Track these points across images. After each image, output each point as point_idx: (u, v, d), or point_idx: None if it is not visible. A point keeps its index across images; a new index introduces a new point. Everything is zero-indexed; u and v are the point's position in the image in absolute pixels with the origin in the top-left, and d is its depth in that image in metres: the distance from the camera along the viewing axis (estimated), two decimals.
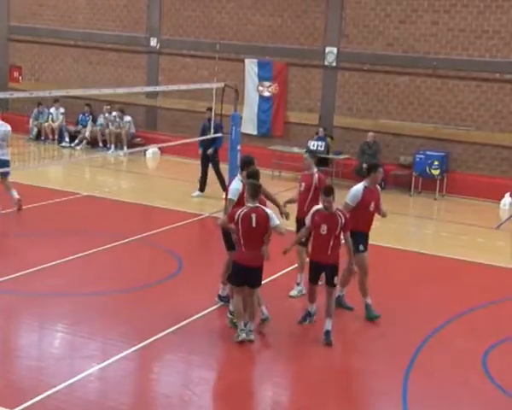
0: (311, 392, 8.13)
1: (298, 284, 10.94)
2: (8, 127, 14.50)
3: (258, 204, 9.22)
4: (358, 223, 9.75)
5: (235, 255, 9.42)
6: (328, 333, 9.20)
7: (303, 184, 10.96)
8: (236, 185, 9.80)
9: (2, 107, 24.20)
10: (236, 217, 9.09)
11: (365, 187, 10.00)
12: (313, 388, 8.23)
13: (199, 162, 17.22)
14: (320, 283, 9.56)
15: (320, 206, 9.61)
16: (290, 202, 11.11)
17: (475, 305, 11.11)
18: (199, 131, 17.40)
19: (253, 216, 9.08)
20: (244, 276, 9.18)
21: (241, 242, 9.15)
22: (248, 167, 9.89)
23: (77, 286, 10.79)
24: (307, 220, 9.56)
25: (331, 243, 9.26)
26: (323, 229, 9.25)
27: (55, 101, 22.87)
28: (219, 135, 16.72)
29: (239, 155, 16.69)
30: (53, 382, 7.77)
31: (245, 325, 9.11)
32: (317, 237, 9.39)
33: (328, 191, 9.25)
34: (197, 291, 10.81)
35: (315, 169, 11.07)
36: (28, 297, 10.23)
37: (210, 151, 16.82)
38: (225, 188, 16.36)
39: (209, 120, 16.68)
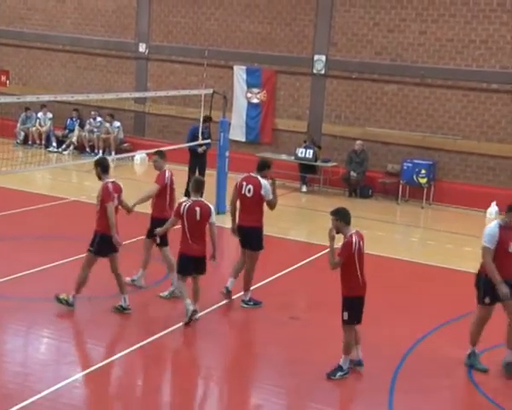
0: (302, 393, 8.17)
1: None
2: None
3: (200, 198, 9.99)
4: None
5: (182, 248, 9.89)
6: None
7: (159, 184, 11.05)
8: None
9: None
10: (182, 210, 9.72)
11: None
12: (304, 389, 8.27)
13: (187, 168, 17.21)
14: None
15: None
16: (139, 202, 11.12)
17: (462, 313, 11.13)
18: (187, 136, 17.42)
19: (198, 210, 9.76)
20: (191, 266, 9.85)
21: (187, 235, 9.76)
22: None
23: (64, 291, 10.75)
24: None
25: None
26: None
27: (43, 106, 22.86)
28: (207, 142, 16.83)
29: (227, 161, 16.78)
30: (38, 387, 7.77)
31: (190, 301, 9.76)
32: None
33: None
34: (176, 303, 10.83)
35: (164, 168, 11.24)
36: (15, 302, 10.20)
37: (201, 150, 16.90)
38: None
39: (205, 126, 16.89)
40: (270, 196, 10.74)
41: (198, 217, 9.81)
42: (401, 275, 13.08)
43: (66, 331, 9.63)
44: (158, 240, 10.94)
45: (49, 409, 7.45)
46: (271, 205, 10.72)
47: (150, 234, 10.97)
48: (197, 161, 17.10)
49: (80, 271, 10.05)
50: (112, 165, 21.43)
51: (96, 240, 9.95)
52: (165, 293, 10.96)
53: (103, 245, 9.93)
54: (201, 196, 10.26)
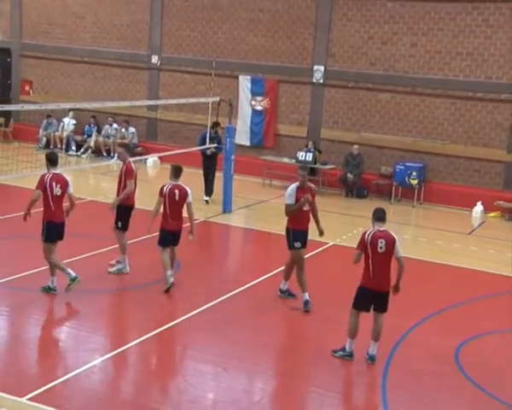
0: (303, 379, 8.18)
1: (119, 262, 11.26)
2: None
3: (179, 182, 10.75)
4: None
5: (163, 224, 10.68)
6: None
7: (120, 176, 11.23)
8: None
9: (14, 118, 24.34)
10: (164, 191, 10.60)
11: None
12: (302, 375, 8.28)
13: (196, 170, 17.24)
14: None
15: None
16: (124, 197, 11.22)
17: (450, 304, 11.17)
18: (198, 140, 17.44)
19: (177, 192, 10.62)
20: (170, 238, 10.70)
21: (168, 212, 10.59)
22: None
23: (83, 284, 10.78)
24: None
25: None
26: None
27: (70, 110, 22.90)
28: (214, 145, 16.88)
29: (233, 164, 16.80)
30: (59, 373, 7.80)
31: (171, 273, 10.56)
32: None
33: None
34: (193, 290, 10.84)
35: (128, 160, 11.36)
36: (38, 294, 10.22)
37: (208, 152, 16.95)
38: (210, 191, 16.79)
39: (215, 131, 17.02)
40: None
41: (177, 198, 10.65)
42: (394, 269, 13.06)
43: (86, 321, 9.64)
44: (120, 224, 11.13)
45: (69, 392, 7.46)
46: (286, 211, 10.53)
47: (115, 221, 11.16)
48: (207, 163, 17.13)
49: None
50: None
51: (42, 227, 10.13)
52: (114, 269, 11.17)
53: (48, 232, 10.07)
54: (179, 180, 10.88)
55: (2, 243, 12.30)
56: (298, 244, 10.19)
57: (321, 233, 10.62)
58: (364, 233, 8.60)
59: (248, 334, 9.23)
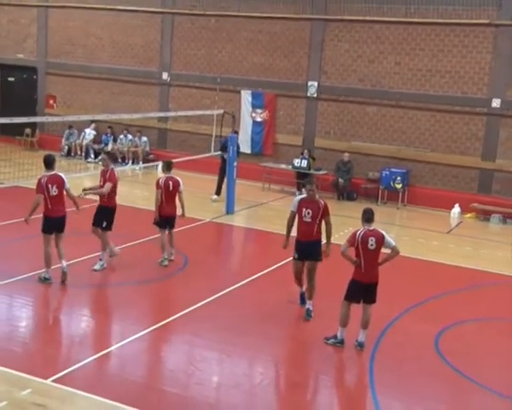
0: (298, 364, 8.20)
1: (100, 260, 11.08)
2: None
3: (171, 174, 11.40)
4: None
5: (161, 211, 11.30)
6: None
7: (102, 179, 11.06)
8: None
9: (39, 129, 24.39)
10: (160, 183, 11.30)
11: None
12: (298, 361, 8.30)
13: (203, 176, 17.28)
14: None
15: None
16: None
17: (430, 296, 11.17)
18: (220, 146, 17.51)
19: (171, 183, 11.32)
20: (166, 223, 11.45)
21: (163, 200, 11.26)
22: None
23: (102, 278, 10.81)
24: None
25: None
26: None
27: (92, 122, 22.93)
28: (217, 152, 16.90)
29: (235, 170, 16.82)
30: (80, 357, 7.80)
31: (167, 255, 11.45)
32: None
33: None
34: (200, 284, 10.86)
35: (111, 167, 11.23)
36: (61, 287, 10.23)
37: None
38: (219, 191, 16.90)
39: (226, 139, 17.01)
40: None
41: (171, 188, 11.32)
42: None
43: (105, 311, 9.67)
44: (104, 224, 10.99)
45: (90, 375, 7.48)
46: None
47: (97, 222, 11.01)
48: (224, 166, 17.17)
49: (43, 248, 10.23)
50: (139, 173, 21.71)
51: (42, 221, 10.25)
52: (97, 266, 11.01)
53: (44, 225, 10.17)
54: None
55: (26, 242, 12.30)
56: (295, 255, 9.58)
57: (325, 255, 9.54)
58: (356, 232, 8.57)
59: (250, 324, 9.24)
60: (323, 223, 9.52)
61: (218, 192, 17.57)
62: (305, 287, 9.76)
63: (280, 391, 7.84)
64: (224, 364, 8.15)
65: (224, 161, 17.21)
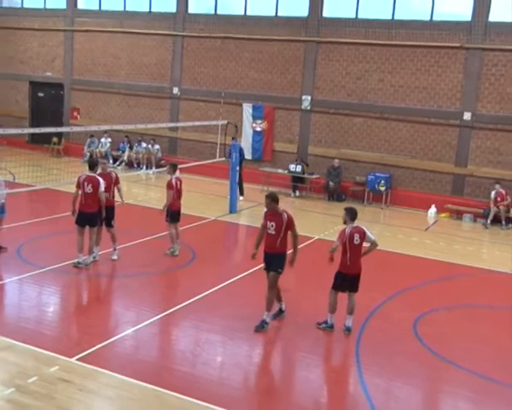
0: (293, 346, 8.24)
1: (115, 250, 11.17)
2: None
3: (178, 175, 11.58)
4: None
5: (171, 206, 11.35)
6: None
7: (105, 182, 10.84)
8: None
9: (64, 137, 24.45)
10: (173, 183, 11.40)
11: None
12: (293, 343, 8.35)
13: (208, 179, 17.31)
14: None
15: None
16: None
17: (409, 286, 11.21)
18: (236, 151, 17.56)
19: (178, 182, 11.62)
20: (178, 216, 11.68)
21: (175, 197, 11.46)
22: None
23: (119, 270, 10.86)
24: None
25: None
26: None
27: (105, 132, 22.96)
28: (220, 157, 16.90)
29: (237, 174, 16.87)
30: (99, 339, 7.86)
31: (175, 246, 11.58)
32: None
33: None
34: (206, 275, 10.90)
35: (109, 170, 11.34)
36: (83, 277, 10.29)
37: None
38: (242, 192, 17.00)
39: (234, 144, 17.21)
40: None
41: (179, 186, 11.64)
42: (364, 258, 13.11)
43: (121, 299, 9.68)
44: (112, 223, 11.10)
45: (108, 355, 7.52)
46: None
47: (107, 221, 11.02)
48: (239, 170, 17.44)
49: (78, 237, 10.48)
50: (153, 177, 21.75)
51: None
52: (115, 256, 11.17)
53: (77, 218, 10.40)
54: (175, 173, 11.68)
55: (56, 237, 12.38)
56: (263, 265, 8.79)
57: (290, 263, 8.59)
58: (344, 230, 8.60)
59: (251, 310, 9.24)
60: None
61: (241, 193, 17.72)
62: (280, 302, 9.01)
63: (276, 369, 7.89)
64: (226, 346, 8.18)
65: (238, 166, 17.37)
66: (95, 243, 10.84)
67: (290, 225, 8.52)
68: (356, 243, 8.57)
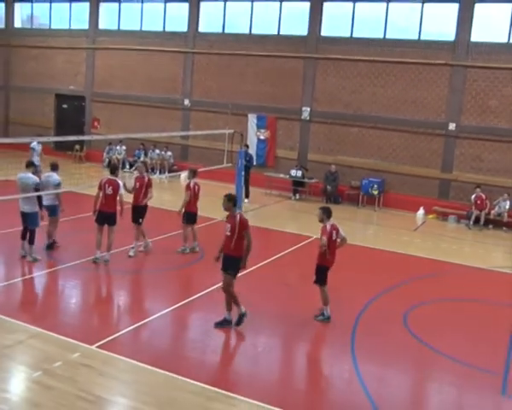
0: (293, 336, 8.27)
1: (133, 248, 11.27)
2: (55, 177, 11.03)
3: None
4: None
5: (189, 208, 11.33)
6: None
7: (137, 183, 11.27)
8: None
9: (86, 145, 24.54)
10: (192, 186, 11.34)
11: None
12: (294, 334, 8.37)
13: (216, 183, 17.36)
14: None
15: None
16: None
17: (400, 281, 11.21)
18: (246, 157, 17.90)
19: (196, 186, 11.49)
20: (194, 218, 11.60)
21: (192, 200, 11.37)
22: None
23: (136, 265, 10.88)
24: None
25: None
26: None
27: (120, 141, 23.03)
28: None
29: (243, 179, 16.90)
30: (119, 328, 7.93)
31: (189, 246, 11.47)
32: None
33: None
34: (214, 271, 10.88)
35: (144, 174, 11.45)
36: (101, 272, 10.33)
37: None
38: (248, 194, 17.09)
39: (245, 150, 17.60)
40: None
41: (197, 190, 11.45)
42: (359, 256, 13.15)
43: (139, 291, 9.71)
44: (140, 221, 11.31)
45: (127, 341, 7.53)
46: None
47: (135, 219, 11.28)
48: (246, 174, 17.66)
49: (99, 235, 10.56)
50: (166, 181, 21.80)
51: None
52: (141, 248, 11.44)
53: (97, 217, 10.52)
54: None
55: (77, 235, 12.42)
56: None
57: (242, 267, 8.13)
58: (325, 227, 8.59)
59: (254, 304, 9.25)
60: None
61: (246, 195, 17.85)
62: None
63: (277, 357, 7.89)
64: (233, 335, 8.18)
65: (246, 171, 17.48)
66: (136, 237, 11.20)
67: (242, 227, 7.92)
68: (333, 238, 8.64)
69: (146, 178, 11.31)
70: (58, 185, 10.85)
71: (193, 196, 11.52)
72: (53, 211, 10.98)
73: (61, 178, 11.17)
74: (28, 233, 10.30)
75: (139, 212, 11.21)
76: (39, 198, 10.17)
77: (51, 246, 11.15)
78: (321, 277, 8.66)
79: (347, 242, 8.91)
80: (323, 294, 8.71)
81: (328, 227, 8.57)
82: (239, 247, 7.94)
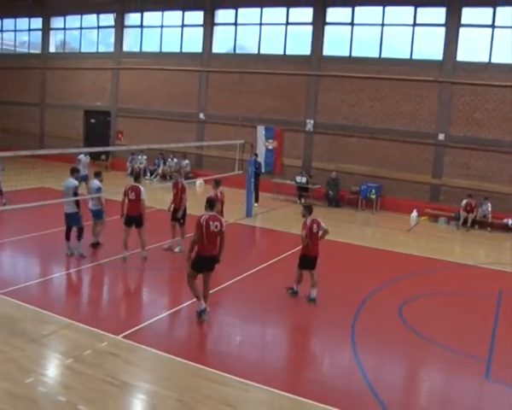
0: (299, 329, 8.26)
1: (179, 245, 11.48)
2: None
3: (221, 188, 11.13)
4: None
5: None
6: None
7: (174, 189, 11.55)
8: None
9: (111, 155, 24.70)
10: (219, 196, 11.00)
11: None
12: (299, 327, 8.36)
13: (228, 189, 17.31)
14: None
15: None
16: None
17: (397, 277, 11.18)
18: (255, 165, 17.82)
19: (218, 194, 11.03)
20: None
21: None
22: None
23: (160, 263, 10.89)
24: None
25: None
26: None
27: (141, 151, 23.13)
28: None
29: (252, 185, 16.92)
30: (139, 321, 7.95)
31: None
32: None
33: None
34: (226, 268, 10.90)
35: (179, 180, 11.56)
36: (128, 269, 10.35)
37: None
38: (257, 199, 17.10)
39: (255, 159, 17.59)
40: None
41: (222, 199, 11.11)
42: (359, 255, 13.14)
43: (156, 288, 9.70)
44: (181, 220, 11.53)
45: (147, 333, 7.55)
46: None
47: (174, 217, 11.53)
48: (256, 180, 17.64)
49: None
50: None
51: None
52: (177, 249, 11.54)
53: (125, 220, 10.57)
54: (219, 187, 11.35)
55: (107, 236, 12.48)
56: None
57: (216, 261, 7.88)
58: (305, 222, 8.99)
59: (262, 299, 9.28)
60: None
61: (256, 200, 17.86)
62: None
63: (283, 348, 7.90)
64: (244, 327, 8.22)
65: (256, 178, 17.54)
66: (178, 237, 11.48)
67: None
68: (314, 231, 8.95)
69: (180, 185, 11.49)
70: (98, 190, 10.91)
71: (219, 203, 11.16)
72: (97, 214, 11.11)
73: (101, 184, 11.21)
74: (77, 231, 10.59)
75: (178, 213, 11.50)
76: (78, 200, 10.40)
77: (95, 245, 11.26)
78: (301, 263, 9.13)
79: (329, 233, 9.24)
80: (298, 273, 9.17)
81: (309, 222, 8.95)
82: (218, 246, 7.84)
